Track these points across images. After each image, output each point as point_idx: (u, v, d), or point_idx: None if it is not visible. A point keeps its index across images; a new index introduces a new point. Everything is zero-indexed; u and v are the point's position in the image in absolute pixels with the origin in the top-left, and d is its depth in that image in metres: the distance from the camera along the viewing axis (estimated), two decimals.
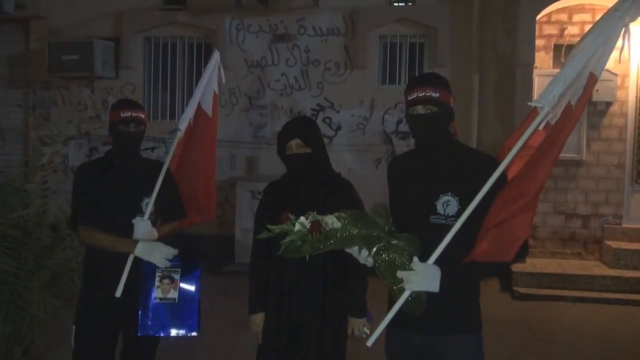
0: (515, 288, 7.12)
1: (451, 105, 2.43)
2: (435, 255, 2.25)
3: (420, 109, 2.39)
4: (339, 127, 8.41)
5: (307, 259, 2.23)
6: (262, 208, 3.05)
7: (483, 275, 2.41)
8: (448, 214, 2.34)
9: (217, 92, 3.63)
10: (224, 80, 3.70)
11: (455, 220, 2.26)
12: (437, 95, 2.37)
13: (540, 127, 2.32)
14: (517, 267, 7.16)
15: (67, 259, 4.46)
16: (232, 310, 5.77)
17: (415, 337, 2.45)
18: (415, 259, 2.23)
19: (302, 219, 2.24)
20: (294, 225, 2.25)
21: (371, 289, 3.01)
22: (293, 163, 2.94)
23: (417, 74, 8.21)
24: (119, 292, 2.99)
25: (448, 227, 2.25)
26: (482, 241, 2.21)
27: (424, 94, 2.37)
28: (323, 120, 8.37)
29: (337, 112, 8.42)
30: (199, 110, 3.52)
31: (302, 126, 3.02)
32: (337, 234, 2.19)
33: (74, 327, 3.14)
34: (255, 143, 8.54)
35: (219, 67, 3.64)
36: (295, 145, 2.92)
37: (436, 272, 2.24)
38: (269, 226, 2.30)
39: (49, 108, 9.04)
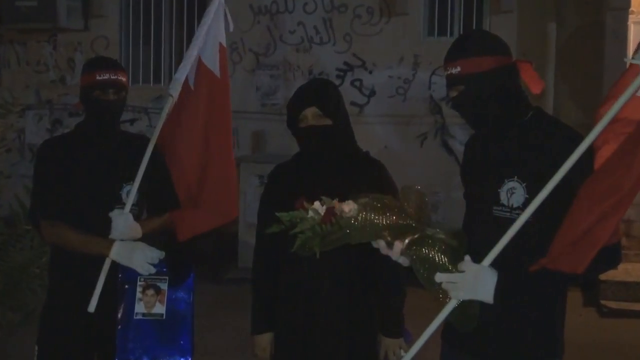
0: (602, 302, 7.09)
1: (494, 65, 2.34)
2: (492, 256, 2.23)
3: (452, 92, 2.45)
4: (372, 93, 8.41)
5: (317, 255, 2.26)
6: (267, 197, 3.09)
7: (553, 288, 2.38)
8: (512, 205, 2.34)
9: (224, 44, 3.57)
10: (231, 29, 3.62)
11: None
12: (458, 70, 2.37)
13: (639, 93, 2.29)
14: (605, 275, 7.11)
15: (26, 262, 4.54)
16: (235, 327, 5.82)
17: None
18: (467, 258, 2.23)
19: (317, 204, 2.29)
20: (307, 212, 2.30)
21: (409, 302, 3.03)
22: (308, 137, 2.96)
23: (474, 25, 8.15)
24: (92, 307, 3.02)
25: (513, 222, 2.24)
26: (555, 245, 2.19)
27: (447, 72, 2.42)
28: (352, 83, 8.38)
29: (370, 72, 8.42)
30: (202, 68, 3.42)
31: (319, 91, 3.03)
32: (351, 222, 2.22)
33: (36, 347, 3.19)
34: (263, 113, 8.58)
35: (225, 12, 3.59)
36: (311, 115, 2.93)
37: (490, 278, 2.23)
38: (278, 214, 2.32)
39: None
